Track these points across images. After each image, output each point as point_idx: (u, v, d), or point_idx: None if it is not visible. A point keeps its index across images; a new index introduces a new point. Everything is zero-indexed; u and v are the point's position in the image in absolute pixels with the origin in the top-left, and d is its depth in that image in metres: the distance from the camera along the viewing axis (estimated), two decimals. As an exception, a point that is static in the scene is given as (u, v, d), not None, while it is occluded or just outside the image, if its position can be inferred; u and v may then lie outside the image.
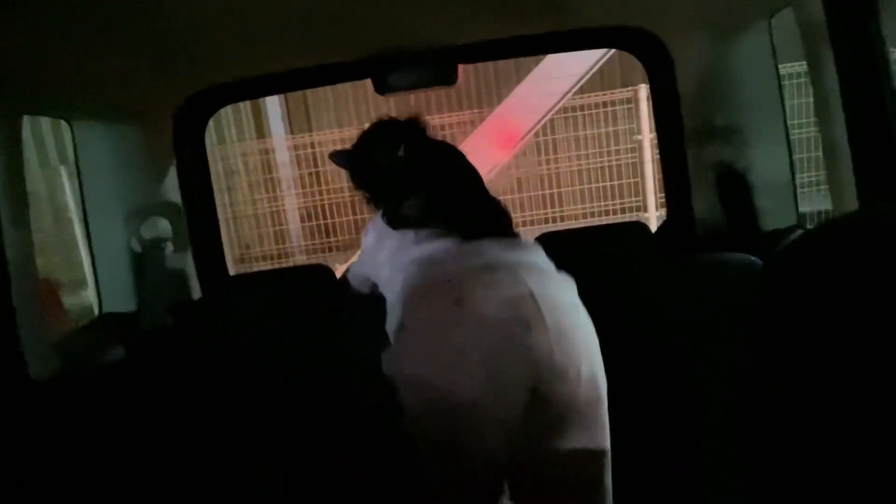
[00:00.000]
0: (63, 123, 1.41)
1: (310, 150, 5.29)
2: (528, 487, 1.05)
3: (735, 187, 1.39)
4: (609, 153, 5.22)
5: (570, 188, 5.36)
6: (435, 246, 1.07)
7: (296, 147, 5.43)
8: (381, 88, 1.46)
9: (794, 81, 3.00)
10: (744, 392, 0.54)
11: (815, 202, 2.12)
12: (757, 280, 0.54)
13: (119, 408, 1.24)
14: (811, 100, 1.16)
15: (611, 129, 5.17)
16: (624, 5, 1.35)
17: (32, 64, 1.06)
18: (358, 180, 1.32)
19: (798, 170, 1.49)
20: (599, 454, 1.04)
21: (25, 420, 1.04)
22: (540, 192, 5.40)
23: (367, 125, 1.33)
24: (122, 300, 1.42)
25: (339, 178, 4.98)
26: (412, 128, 1.28)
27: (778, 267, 0.55)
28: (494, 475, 1.01)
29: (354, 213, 5.27)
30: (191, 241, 1.53)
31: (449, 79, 1.47)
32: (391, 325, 1.06)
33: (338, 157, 1.37)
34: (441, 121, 5.03)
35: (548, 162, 5.25)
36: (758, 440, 0.52)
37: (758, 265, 1.28)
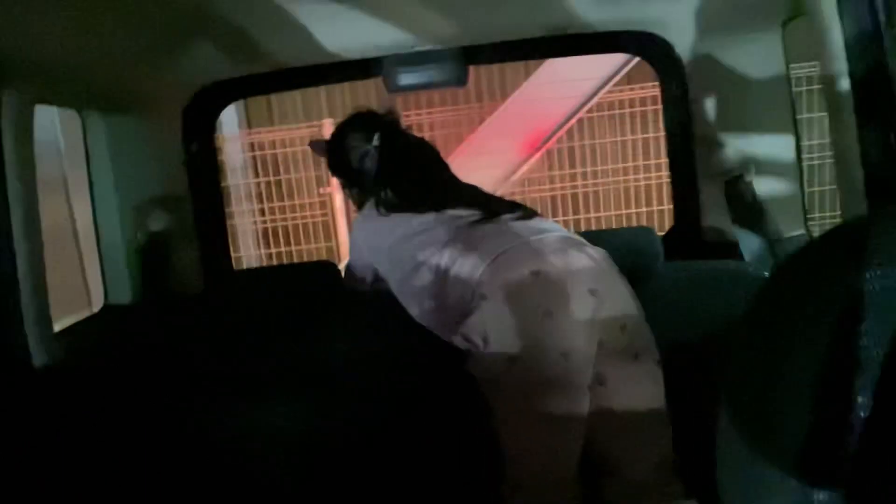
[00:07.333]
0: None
1: (269, 152, 5.20)
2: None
3: (743, 194, 1.86)
4: (644, 168, 5.07)
5: (588, 215, 5.19)
6: (469, 225, 1.59)
7: (252, 146, 5.34)
8: (392, 87, 1.94)
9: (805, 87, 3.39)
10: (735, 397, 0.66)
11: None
12: (763, 288, 0.68)
13: (120, 401, 1.63)
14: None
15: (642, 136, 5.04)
16: (634, 9, 1.81)
17: (45, 55, 1.41)
18: (334, 167, 1.98)
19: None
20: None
21: (26, 410, 1.38)
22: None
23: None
24: (127, 292, 1.84)
25: (312, 190, 5.13)
26: (386, 119, 1.90)
27: (784, 275, 0.68)
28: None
29: (328, 238, 5.21)
30: (197, 235, 1.98)
31: (460, 79, 1.95)
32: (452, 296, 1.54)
33: (316, 146, 2.05)
34: (442, 116, 4.85)
35: (562, 179, 5.12)
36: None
37: (758, 274, 1.73)
